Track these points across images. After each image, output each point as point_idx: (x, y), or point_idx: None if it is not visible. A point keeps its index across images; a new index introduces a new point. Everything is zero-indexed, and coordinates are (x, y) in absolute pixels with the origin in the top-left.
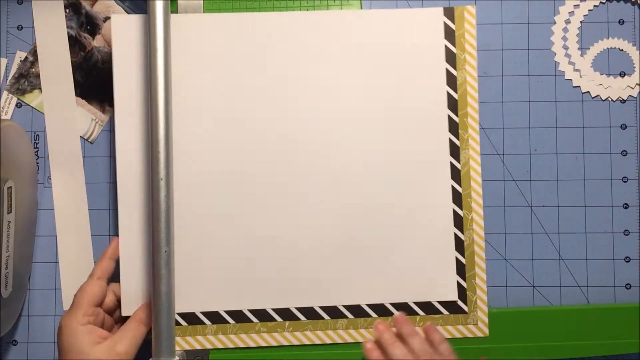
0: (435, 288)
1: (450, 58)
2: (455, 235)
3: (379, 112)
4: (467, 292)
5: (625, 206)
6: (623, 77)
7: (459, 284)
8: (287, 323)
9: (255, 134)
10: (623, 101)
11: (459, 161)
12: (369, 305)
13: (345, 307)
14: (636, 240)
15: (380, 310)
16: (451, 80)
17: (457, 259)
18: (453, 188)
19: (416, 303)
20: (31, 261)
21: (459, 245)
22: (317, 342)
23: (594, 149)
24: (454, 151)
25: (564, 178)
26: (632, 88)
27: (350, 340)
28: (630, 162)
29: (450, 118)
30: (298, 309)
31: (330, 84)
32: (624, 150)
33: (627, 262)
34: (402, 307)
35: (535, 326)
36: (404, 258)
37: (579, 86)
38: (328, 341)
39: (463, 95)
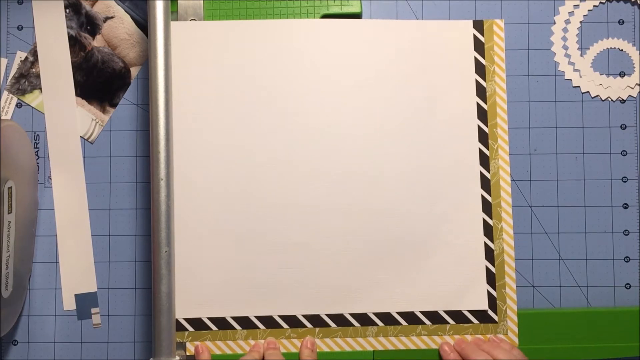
0: (466, 297)
1: (480, 69)
2: (485, 244)
3: (409, 121)
4: (497, 302)
5: (625, 206)
6: (623, 77)
7: (489, 293)
8: (317, 329)
9: (265, 136)
10: (623, 101)
11: (488, 171)
12: (399, 313)
13: (376, 314)
14: (636, 240)
15: (411, 318)
16: (481, 91)
17: (487, 268)
18: (483, 197)
19: (446, 312)
20: (31, 261)
21: (489, 254)
22: (347, 349)
23: (594, 149)
24: (484, 161)
25: (563, 178)
26: (632, 88)
27: (380, 347)
28: (629, 162)
29: (480, 128)
30: (328, 315)
31: (357, 93)
32: (624, 150)
33: (627, 262)
34: (433, 315)
35: (534, 328)
36: (434, 266)
37: (579, 86)
38: (358, 348)
39: (492, 106)
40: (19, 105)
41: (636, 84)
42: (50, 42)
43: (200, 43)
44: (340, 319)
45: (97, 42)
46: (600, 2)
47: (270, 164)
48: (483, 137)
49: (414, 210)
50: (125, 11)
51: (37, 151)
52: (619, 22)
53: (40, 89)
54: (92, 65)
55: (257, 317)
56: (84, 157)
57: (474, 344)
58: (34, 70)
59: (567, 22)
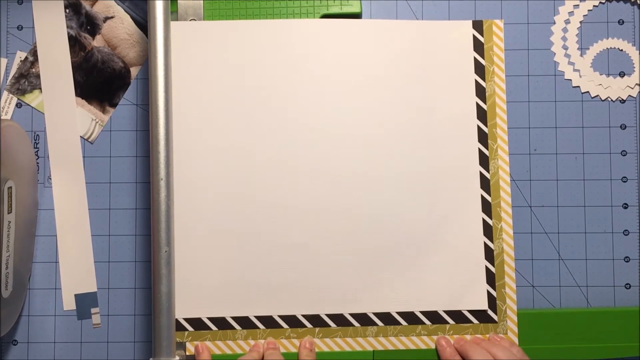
0: (465, 297)
1: (479, 70)
2: (485, 244)
3: (409, 121)
4: (497, 302)
5: (625, 206)
6: (623, 77)
7: (489, 293)
8: (317, 329)
9: (264, 136)
10: (623, 101)
11: (488, 171)
12: (399, 313)
13: (375, 314)
14: (636, 240)
15: (410, 318)
16: (480, 92)
17: (487, 268)
18: (482, 197)
19: (446, 312)
20: (31, 261)
21: (489, 254)
22: (347, 349)
23: (594, 149)
24: (483, 161)
25: (563, 178)
26: (632, 88)
27: (380, 347)
28: (629, 162)
29: (479, 128)
30: (328, 315)
31: (357, 93)
32: (624, 150)
33: (627, 262)
34: (432, 315)
35: (534, 328)
36: (434, 266)
37: (579, 86)
38: (358, 348)
39: (492, 106)
40: (19, 105)
41: (636, 84)
42: (50, 42)
43: (200, 43)
44: (340, 319)
45: (97, 42)
46: (600, 2)
47: (270, 164)
48: (482, 137)
49: (413, 210)
50: (125, 11)
51: (37, 151)
52: (618, 22)
53: (40, 89)
54: (92, 65)
55: (257, 317)
56: (83, 157)
57: (473, 342)
58: (33, 70)
59: (567, 22)
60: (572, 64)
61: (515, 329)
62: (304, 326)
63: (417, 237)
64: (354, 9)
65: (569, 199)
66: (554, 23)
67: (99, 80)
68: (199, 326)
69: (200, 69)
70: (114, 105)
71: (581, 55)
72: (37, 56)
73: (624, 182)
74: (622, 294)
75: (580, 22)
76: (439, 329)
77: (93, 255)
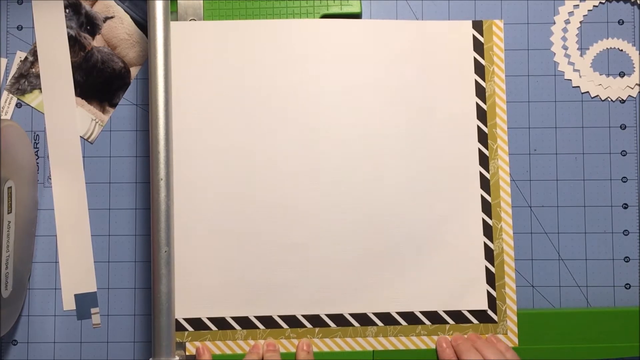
0: (465, 297)
1: (479, 70)
2: (485, 244)
3: (409, 122)
4: (497, 302)
5: (625, 206)
6: (622, 77)
7: (488, 293)
8: (316, 329)
9: (264, 136)
10: (622, 101)
11: (488, 171)
12: (399, 313)
13: (375, 314)
14: (636, 240)
15: (410, 318)
16: (480, 92)
17: (487, 268)
18: (482, 197)
19: (446, 312)
20: (31, 261)
21: (489, 254)
22: (347, 349)
23: (594, 149)
24: (483, 161)
25: (563, 178)
26: (632, 88)
27: (379, 347)
28: (629, 162)
29: (479, 128)
30: (328, 315)
31: (356, 93)
32: (624, 150)
33: (627, 262)
34: (432, 315)
35: (534, 328)
36: (434, 266)
37: (579, 86)
38: (358, 348)
39: (492, 106)
40: (18, 105)
41: (636, 84)
42: (50, 42)
43: (200, 43)
44: (339, 319)
45: (97, 42)
46: (600, 2)
47: (270, 164)
48: (482, 137)
49: (413, 210)
50: (125, 11)
51: (37, 151)
52: (618, 22)
53: (40, 89)
54: (91, 65)
55: (257, 317)
56: (83, 157)
57: (469, 341)
58: (33, 70)
59: (567, 22)
60: (572, 64)
61: (515, 329)
62: (304, 326)
63: (417, 237)
64: (354, 9)
65: (569, 199)
66: (554, 23)
67: (99, 80)
68: (199, 326)
69: (200, 69)
70: (114, 105)
71: (581, 55)
72: (37, 56)
73: (624, 182)
74: (622, 294)
75: (580, 22)
76: (439, 329)
77: (93, 255)
